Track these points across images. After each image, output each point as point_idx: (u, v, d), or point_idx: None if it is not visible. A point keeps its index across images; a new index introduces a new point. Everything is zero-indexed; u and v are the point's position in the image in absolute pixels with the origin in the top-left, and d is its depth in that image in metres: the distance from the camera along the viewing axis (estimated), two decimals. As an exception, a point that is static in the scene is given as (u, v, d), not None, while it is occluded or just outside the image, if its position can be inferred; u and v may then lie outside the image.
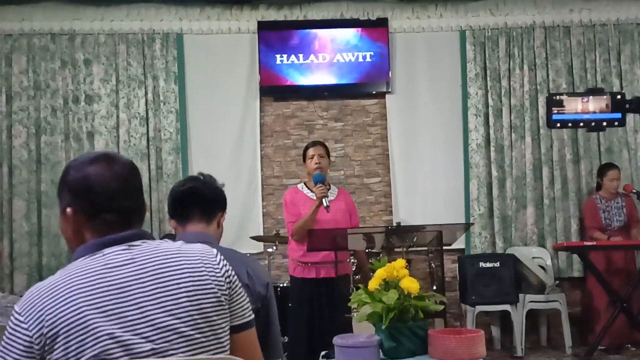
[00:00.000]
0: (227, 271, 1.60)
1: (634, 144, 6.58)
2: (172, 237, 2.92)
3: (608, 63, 6.63)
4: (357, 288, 3.04)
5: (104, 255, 1.52)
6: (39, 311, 1.44)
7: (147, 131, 6.45)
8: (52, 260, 6.17)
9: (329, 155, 4.81)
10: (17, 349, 1.44)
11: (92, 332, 1.41)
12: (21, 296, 1.54)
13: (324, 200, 4.42)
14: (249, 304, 1.66)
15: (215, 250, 1.63)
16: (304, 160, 4.79)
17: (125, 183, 1.61)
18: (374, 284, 2.94)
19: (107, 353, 1.40)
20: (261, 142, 6.62)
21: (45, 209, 6.23)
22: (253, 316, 1.67)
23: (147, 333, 1.44)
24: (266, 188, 6.59)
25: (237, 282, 1.62)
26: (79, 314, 1.42)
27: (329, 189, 4.67)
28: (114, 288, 1.46)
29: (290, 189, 4.92)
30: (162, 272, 1.50)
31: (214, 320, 1.52)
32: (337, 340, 2.85)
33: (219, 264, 1.59)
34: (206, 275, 1.54)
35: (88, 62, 6.46)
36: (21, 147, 6.30)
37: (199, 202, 2.47)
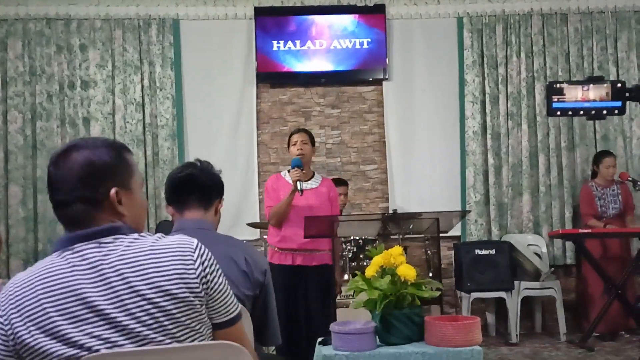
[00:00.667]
0: (203, 270, 1.53)
1: (629, 132, 6.59)
2: (170, 223, 2.91)
3: (605, 50, 6.62)
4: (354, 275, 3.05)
5: (73, 252, 1.49)
6: (10, 309, 1.45)
7: (143, 117, 6.43)
8: (48, 246, 6.16)
9: (313, 143, 4.80)
10: None
11: (54, 337, 1.41)
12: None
13: (298, 183, 4.44)
14: (232, 299, 1.63)
15: (193, 246, 1.56)
16: (288, 147, 4.78)
17: (75, 180, 1.53)
18: (371, 271, 2.95)
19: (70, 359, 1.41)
20: (257, 129, 6.61)
21: (41, 195, 6.22)
22: (237, 312, 1.65)
23: (114, 338, 1.43)
24: (262, 175, 6.58)
25: (216, 280, 1.56)
26: (42, 317, 1.42)
27: (311, 177, 4.70)
28: (78, 291, 1.44)
29: (273, 175, 4.90)
30: (129, 276, 1.46)
31: (184, 322, 1.48)
32: (334, 326, 2.86)
33: (194, 262, 1.52)
34: (177, 278, 1.48)
35: (84, 47, 6.42)
36: (17, 132, 6.27)
37: (197, 188, 2.46)
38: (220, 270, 1.60)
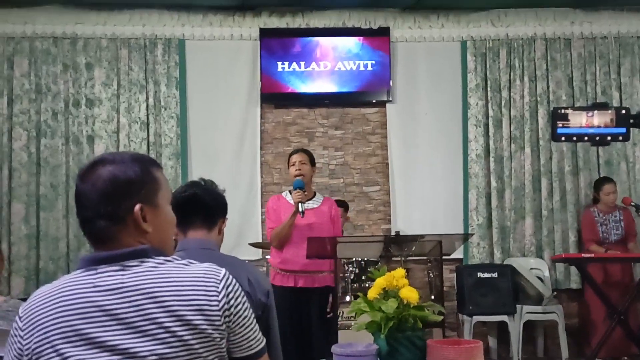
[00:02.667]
0: (227, 303, 1.49)
1: (632, 157, 6.59)
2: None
3: (608, 76, 6.65)
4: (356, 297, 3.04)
5: (97, 273, 1.46)
6: (31, 325, 1.44)
7: (148, 136, 6.45)
8: (49, 264, 6.15)
9: (313, 163, 4.80)
10: (12, 352, 1.46)
11: (82, 344, 1.40)
12: (20, 299, 1.53)
13: (299, 205, 4.44)
14: (256, 334, 1.59)
15: (219, 277, 1.51)
16: (288, 167, 4.79)
17: (97, 196, 1.49)
18: (373, 292, 2.94)
19: None
20: (261, 149, 6.62)
21: (44, 212, 6.21)
22: (261, 347, 1.61)
23: (134, 344, 1.40)
24: (265, 195, 6.57)
25: (241, 313, 1.52)
26: (65, 328, 1.41)
27: (312, 197, 4.70)
28: (97, 314, 1.42)
29: (274, 196, 4.91)
30: (148, 305, 1.42)
31: (200, 353, 1.44)
32: (335, 348, 2.84)
33: (218, 294, 1.48)
34: (197, 310, 1.44)
35: (90, 66, 6.45)
36: (21, 149, 6.28)
37: (201, 208, 2.45)
38: (246, 304, 1.55)
